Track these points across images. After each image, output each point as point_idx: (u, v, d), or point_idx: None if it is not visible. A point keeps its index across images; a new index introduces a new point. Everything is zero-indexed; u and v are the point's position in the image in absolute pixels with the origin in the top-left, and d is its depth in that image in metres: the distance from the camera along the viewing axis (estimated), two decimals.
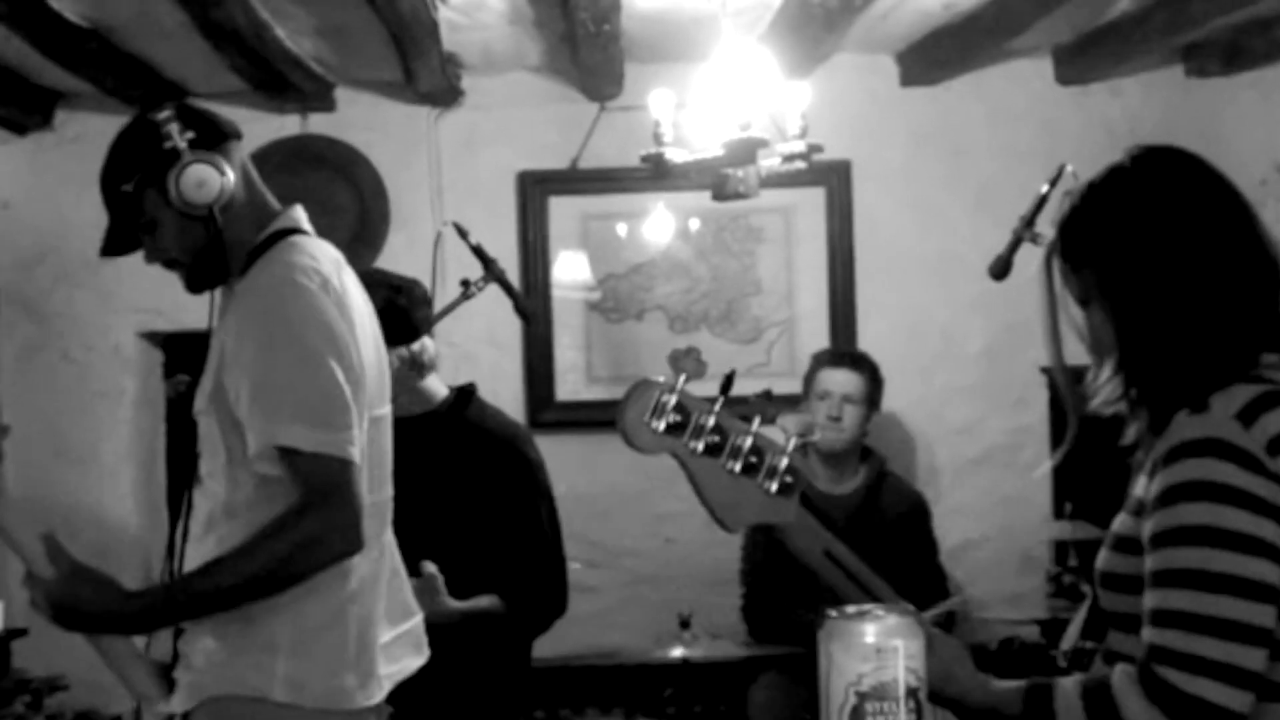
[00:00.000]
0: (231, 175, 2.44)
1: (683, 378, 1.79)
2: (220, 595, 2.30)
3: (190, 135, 2.42)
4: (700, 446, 1.80)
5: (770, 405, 1.83)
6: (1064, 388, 1.97)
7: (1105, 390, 1.90)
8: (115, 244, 2.54)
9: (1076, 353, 1.98)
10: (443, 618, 3.12)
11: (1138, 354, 1.86)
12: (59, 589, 2.34)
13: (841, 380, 4.47)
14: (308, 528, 2.26)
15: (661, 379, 1.79)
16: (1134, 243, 1.86)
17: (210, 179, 2.41)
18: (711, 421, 1.81)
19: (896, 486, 4.60)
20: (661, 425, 1.78)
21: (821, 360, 4.57)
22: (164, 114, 2.43)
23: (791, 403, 4.49)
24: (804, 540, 1.90)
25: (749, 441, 1.82)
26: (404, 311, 3.32)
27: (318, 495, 2.27)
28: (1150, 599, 1.75)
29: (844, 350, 4.76)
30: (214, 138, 2.47)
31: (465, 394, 3.56)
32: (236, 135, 2.54)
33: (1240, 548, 1.69)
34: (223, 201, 2.42)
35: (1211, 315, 1.82)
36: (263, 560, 2.27)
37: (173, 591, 2.36)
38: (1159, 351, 1.84)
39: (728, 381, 1.82)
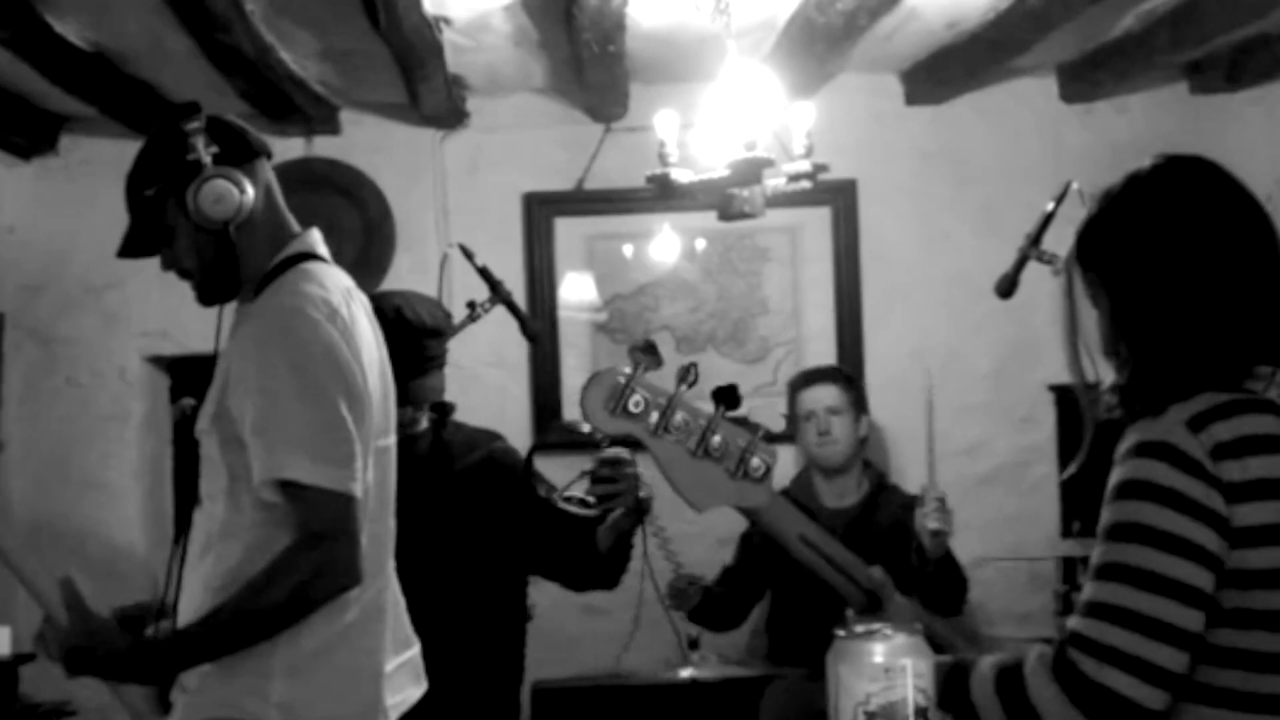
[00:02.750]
0: (251, 193, 2.43)
1: (640, 368, 1.89)
2: (228, 638, 2.30)
3: (215, 149, 2.41)
4: (660, 430, 1.90)
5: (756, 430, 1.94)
6: (1081, 394, 1.97)
7: (1110, 396, 1.90)
8: (133, 247, 2.53)
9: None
10: None
11: (1139, 356, 1.86)
12: (72, 638, 2.33)
13: (820, 395, 4.47)
14: (308, 565, 2.26)
15: (627, 370, 1.91)
16: (1147, 249, 1.86)
17: (228, 196, 2.40)
18: (670, 408, 1.91)
19: (894, 497, 4.55)
20: (619, 409, 1.88)
21: (797, 384, 4.57)
22: (193, 124, 2.41)
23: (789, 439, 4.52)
24: (778, 524, 1.96)
25: (708, 426, 1.91)
26: None
27: (318, 530, 2.27)
28: (1084, 590, 1.77)
29: (815, 369, 4.73)
30: (241, 153, 2.47)
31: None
32: (266, 153, 2.54)
33: (1168, 548, 1.70)
34: (240, 219, 2.42)
35: (1212, 324, 1.83)
36: (268, 599, 2.27)
37: (180, 639, 2.35)
38: (1156, 356, 1.84)
39: (685, 372, 1.91)
